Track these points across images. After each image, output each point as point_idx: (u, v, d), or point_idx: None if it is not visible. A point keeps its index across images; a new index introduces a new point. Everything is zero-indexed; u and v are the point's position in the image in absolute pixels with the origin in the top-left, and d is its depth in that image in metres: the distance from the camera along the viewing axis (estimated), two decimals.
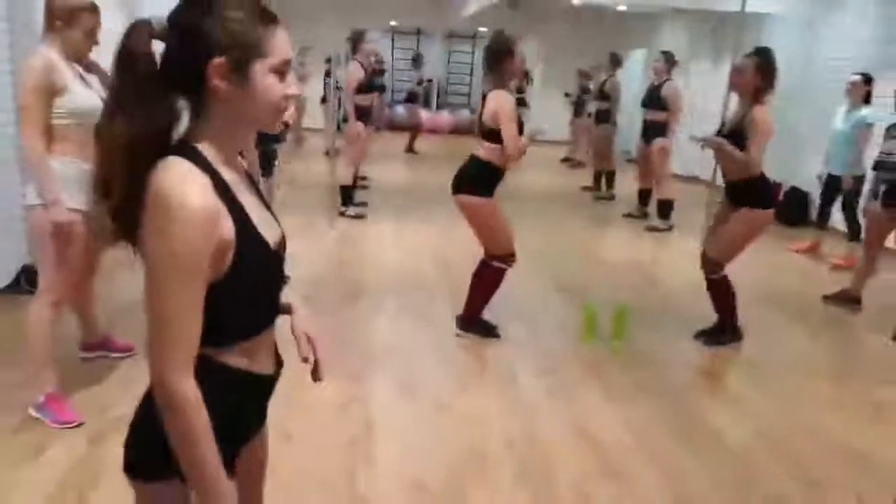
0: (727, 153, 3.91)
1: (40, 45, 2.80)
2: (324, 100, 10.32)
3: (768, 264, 6.17)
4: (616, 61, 8.66)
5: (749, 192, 3.97)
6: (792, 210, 7.80)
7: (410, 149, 12.22)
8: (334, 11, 12.86)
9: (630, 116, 10.56)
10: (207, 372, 1.20)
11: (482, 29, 15.52)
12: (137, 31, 1.18)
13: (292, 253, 5.75)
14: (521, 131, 3.84)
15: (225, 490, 1.21)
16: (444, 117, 15.42)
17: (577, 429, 3.25)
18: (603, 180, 8.99)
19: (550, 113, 14.31)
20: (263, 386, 1.39)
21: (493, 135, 3.80)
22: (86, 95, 2.83)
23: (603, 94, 8.69)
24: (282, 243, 1.37)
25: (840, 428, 3.42)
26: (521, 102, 13.80)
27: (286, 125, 13.64)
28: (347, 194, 7.04)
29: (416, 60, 13.86)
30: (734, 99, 4.31)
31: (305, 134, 12.18)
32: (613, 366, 3.99)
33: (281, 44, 1.21)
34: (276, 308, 1.40)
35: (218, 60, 1.16)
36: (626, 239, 7.08)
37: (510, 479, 2.84)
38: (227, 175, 1.23)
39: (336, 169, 7.19)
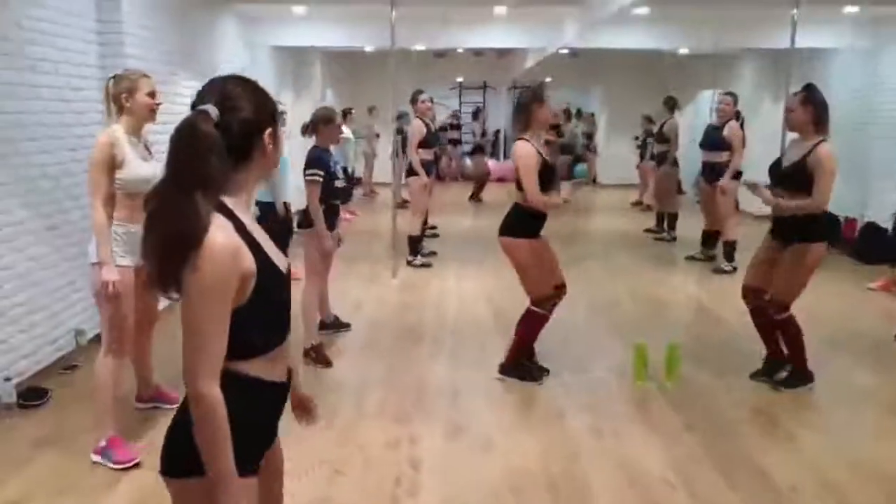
0: (788, 208, 3.90)
1: (112, 123, 3.18)
2: (394, 155, 10.77)
3: (844, 302, 6.02)
4: (672, 104, 8.72)
5: (805, 227, 3.89)
6: (869, 246, 7.54)
7: (476, 197, 12.47)
8: (405, 71, 13.43)
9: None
10: (237, 382, 1.47)
11: (548, 79, 15.83)
12: (202, 117, 1.42)
13: (357, 300, 6.06)
14: (546, 180, 3.92)
15: (234, 491, 1.42)
16: (511, 166, 15.64)
17: (620, 467, 3.30)
18: (665, 222, 8.96)
19: (619, 157, 14.39)
20: (281, 392, 1.62)
21: (521, 183, 3.96)
22: (142, 167, 3.18)
23: (662, 137, 8.74)
24: (289, 270, 1.64)
25: None
26: (567, 149, 13.99)
27: (358, 180, 14.07)
28: (414, 244, 7.33)
29: (477, 114, 14.24)
30: (791, 136, 4.30)
31: (377, 188, 12.70)
32: (662, 405, 4.01)
33: None
34: (289, 324, 1.64)
35: (269, 130, 1.51)
36: (686, 280, 7.03)
37: None
38: (245, 218, 1.51)
39: (404, 221, 7.49)
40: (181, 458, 1.46)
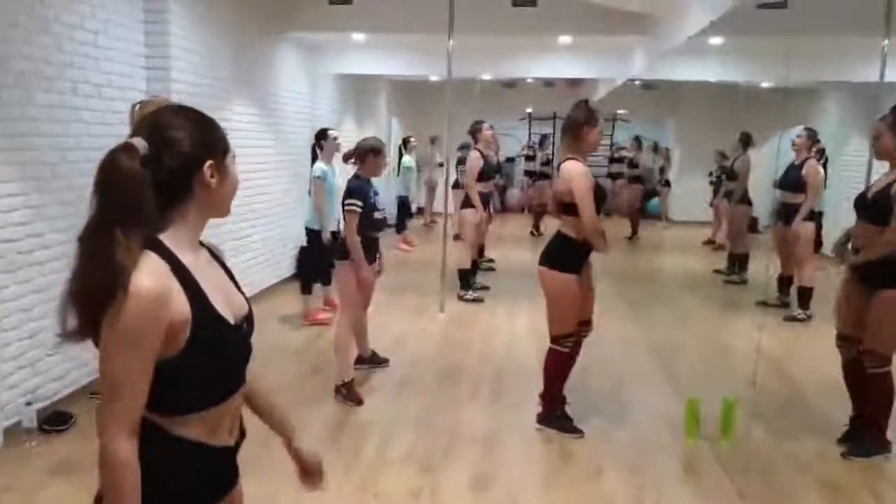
0: (876, 252, 3.55)
1: None
2: (455, 185, 10.64)
3: None
4: (746, 140, 8.27)
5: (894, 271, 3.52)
6: None
7: (535, 230, 12.16)
8: (471, 101, 13.38)
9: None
10: (161, 441, 1.31)
11: (620, 111, 15.49)
12: (126, 151, 1.27)
13: (399, 334, 5.93)
14: (597, 205, 3.65)
15: None
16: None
17: None
18: (736, 263, 8.46)
19: (691, 194, 13.84)
20: (221, 457, 1.43)
21: (569, 208, 3.66)
22: None
23: (734, 174, 8.30)
24: (247, 318, 1.46)
25: None
26: (638, 181, 13.56)
27: (419, 210, 14.08)
28: (466, 278, 7.11)
29: (543, 142, 14.08)
30: (876, 170, 3.96)
31: (438, 218, 12.58)
32: (714, 467, 3.63)
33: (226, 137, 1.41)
34: (238, 382, 1.45)
35: (210, 162, 1.33)
36: (754, 328, 6.52)
37: None
38: (187, 258, 1.33)
39: (456, 253, 7.31)
40: None
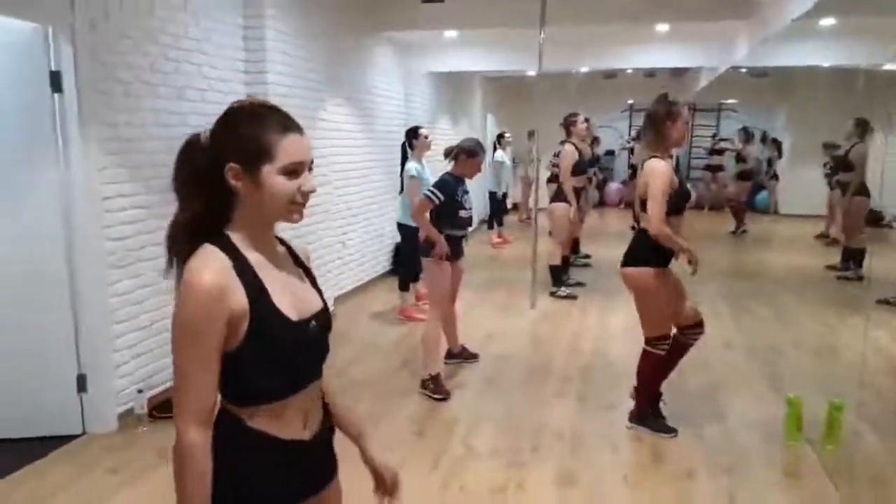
0: None
1: None
2: (549, 180, 10.54)
3: None
4: (863, 127, 7.73)
5: None
6: None
7: (637, 223, 11.88)
8: (570, 94, 13.19)
9: None
10: (236, 430, 1.38)
11: (729, 101, 14.86)
12: (189, 144, 1.43)
13: (490, 330, 5.96)
14: (678, 207, 3.53)
15: None
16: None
17: None
18: (851, 259, 7.93)
19: (804, 185, 13.09)
20: (293, 451, 1.45)
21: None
22: None
23: (848, 164, 7.79)
24: (317, 316, 1.48)
25: None
26: (747, 175, 12.89)
27: (515, 206, 14.04)
28: (557, 275, 7.03)
29: (639, 136, 13.70)
30: None
31: (532, 213, 12.46)
32: (817, 472, 3.44)
33: (290, 148, 1.36)
34: (307, 378, 1.48)
35: (231, 165, 1.36)
36: (870, 327, 6.11)
37: None
38: (253, 256, 1.39)
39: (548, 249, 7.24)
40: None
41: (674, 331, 3.74)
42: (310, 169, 1.41)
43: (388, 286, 7.16)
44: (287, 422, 1.43)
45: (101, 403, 3.78)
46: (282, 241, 1.53)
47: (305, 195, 1.39)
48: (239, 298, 1.32)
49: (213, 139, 1.39)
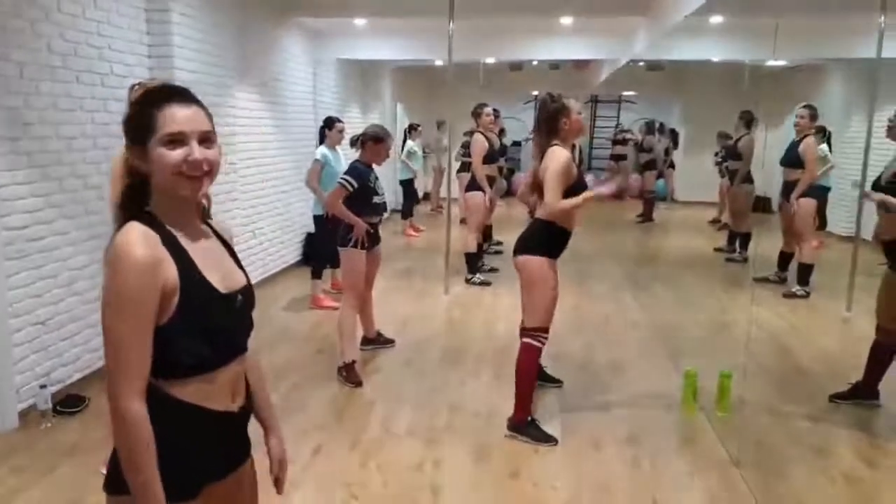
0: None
1: None
2: (460, 170, 10.69)
3: None
4: (748, 119, 8.27)
5: None
6: None
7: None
8: (476, 85, 13.38)
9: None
10: (161, 402, 1.38)
11: (628, 93, 15.45)
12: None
13: (405, 317, 6.02)
14: (575, 194, 3.49)
15: (156, 499, 1.34)
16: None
17: (653, 502, 3.04)
18: (737, 242, 8.49)
19: (699, 174, 13.82)
20: (222, 422, 1.49)
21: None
22: None
23: (737, 154, 8.31)
24: (243, 291, 1.53)
25: None
26: (651, 165, 13.49)
27: (426, 195, 14.05)
28: (472, 262, 7.18)
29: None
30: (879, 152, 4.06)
31: (444, 204, 12.61)
32: (710, 437, 3.71)
33: (170, 118, 1.37)
34: (234, 350, 1.51)
35: (129, 146, 1.41)
36: (756, 305, 6.58)
37: None
38: (180, 232, 1.42)
39: (462, 237, 7.38)
40: (117, 475, 1.38)
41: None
42: (205, 140, 1.40)
43: (299, 276, 7.11)
44: (216, 394, 1.46)
45: (0, 401, 3.61)
46: (204, 220, 1.55)
47: (193, 165, 1.38)
48: (170, 271, 1.35)
49: (124, 125, 1.43)
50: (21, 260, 3.69)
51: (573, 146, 3.66)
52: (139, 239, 1.33)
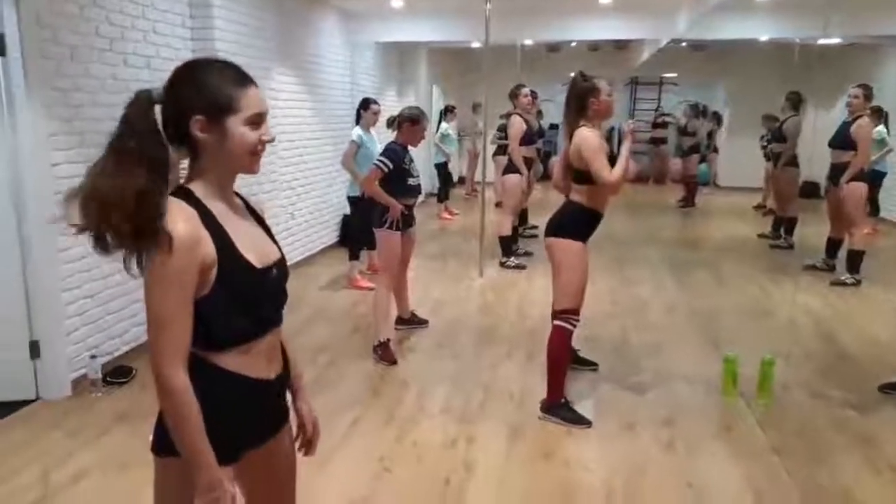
0: None
1: None
2: (496, 153, 10.66)
3: None
4: (796, 100, 8.05)
5: None
6: None
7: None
8: (513, 67, 13.29)
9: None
10: (203, 371, 1.44)
11: (669, 75, 15.17)
12: (139, 101, 1.41)
13: (439, 299, 6.04)
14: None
15: (206, 465, 1.40)
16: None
17: (690, 487, 3.04)
18: (782, 228, 8.30)
19: (743, 158, 13.53)
20: (261, 390, 1.55)
21: (581, 176, 3.52)
22: None
23: (782, 136, 8.11)
24: (277, 264, 1.57)
25: None
26: (696, 149, 13.19)
27: (461, 179, 14.04)
28: (507, 245, 7.17)
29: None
30: None
31: (479, 188, 12.60)
32: (749, 423, 3.67)
33: (252, 100, 1.44)
34: (271, 321, 1.57)
35: (196, 117, 1.40)
36: (801, 292, 6.45)
37: None
38: (216, 207, 1.46)
39: (497, 220, 7.37)
40: (165, 438, 1.44)
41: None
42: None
43: (336, 257, 7.20)
44: (253, 363, 1.52)
45: (54, 369, 3.78)
46: (237, 195, 1.59)
47: (265, 145, 1.48)
48: (208, 247, 1.39)
49: (173, 94, 1.42)
50: (73, 236, 3.79)
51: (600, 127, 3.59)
52: (180, 215, 1.37)
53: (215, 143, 1.42)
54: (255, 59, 5.49)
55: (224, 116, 1.41)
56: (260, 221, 1.62)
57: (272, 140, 1.49)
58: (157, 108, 1.41)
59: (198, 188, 1.45)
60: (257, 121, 1.45)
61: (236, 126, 1.42)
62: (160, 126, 1.41)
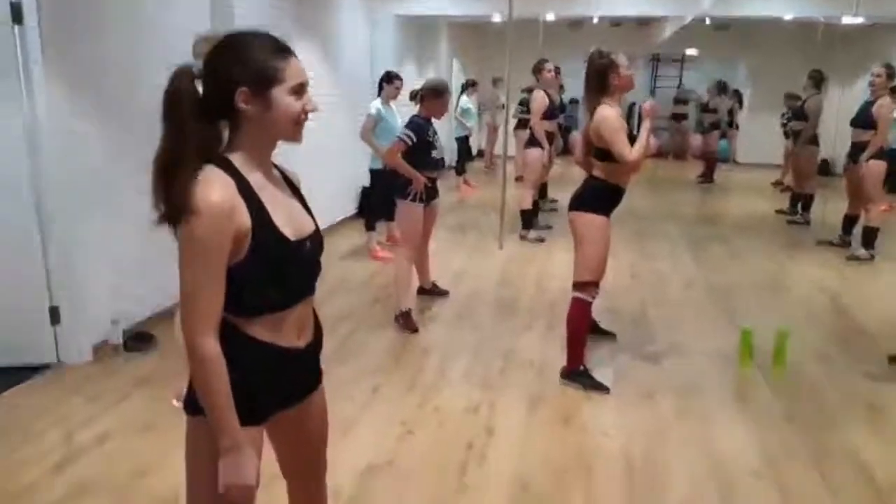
0: None
1: None
2: (517, 126, 10.65)
3: None
4: (818, 79, 7.98)
5: None
6: None
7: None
8: (535, 43, 13.20)
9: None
10: (234, 338, 1.48)
11: (693, 51, 14.99)
12: (183, 74, 1.44)
13: (460, 270, 6.09)
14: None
15: (230, 429, 1.45)
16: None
17: (706, 454, 3.09)
18: (799, 204, 8.28)
19: (763, 135, 13.43)
20: (290, 358, 1.59)
21: (602, 153, 3.55)
22: None
23: (803, 114, 8.06)
24: (312, 237, 1.60)
25: None
26: (717, 126, 13.05)
27: (480, 152, 14.09)
28: (527, 218, 7.20)
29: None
30: None
31: (498, 161, 12.59)
32: (764, 392, 3.72)
33: (295, 70, 1.47)
34: (303, 291, 1.60)
35: (242, 89, 1.43)
36: (817, 267, 6.45)
37: (617, 494, 2.80)
38: (254, 178, 1.48)
39: (517, 194, 7.40)
40: (196, 398, 1.49)
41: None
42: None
43: (356, 228, 7.26)
44: (284, 332, 1.55)
45: (74, 335, 3.84)
46: (275, 166, 1.62)
47: (307, 114, 1.51)
48: (243, 217, 1.42)
49: (216, 66, 1.44)
50: (93, 203, 3.89)
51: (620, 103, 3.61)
52: (216, 184, 1.39)
53: (258, 114, 1.44)
54: (276, 31, 5.51)
55: (269, 87, 1.43)
56: (296, 193, 1.65)
57: (315, 109, 1.51)
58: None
59: (237, 158, 1.47)
60: (300, 90, 1.47)
61: (282, 96, 1.45)
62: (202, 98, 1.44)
